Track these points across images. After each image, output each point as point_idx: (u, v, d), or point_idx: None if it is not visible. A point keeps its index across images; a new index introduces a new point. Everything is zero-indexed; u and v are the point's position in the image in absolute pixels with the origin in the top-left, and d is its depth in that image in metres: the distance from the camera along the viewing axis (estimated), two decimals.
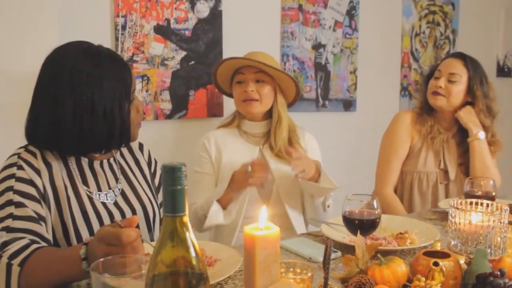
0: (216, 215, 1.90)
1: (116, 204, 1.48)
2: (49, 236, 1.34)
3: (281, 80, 2.09)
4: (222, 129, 2.17)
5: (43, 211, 1.34)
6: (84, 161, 1.47)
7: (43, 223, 1.32)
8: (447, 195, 2.31)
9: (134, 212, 1.51)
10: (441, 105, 2.28)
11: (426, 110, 2.36)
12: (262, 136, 2.13)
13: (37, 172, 1.37)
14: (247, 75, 2.06)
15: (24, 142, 1.45)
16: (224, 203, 1.93)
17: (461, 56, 2.31)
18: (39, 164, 1.39)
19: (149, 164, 1.68)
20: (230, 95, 2.24)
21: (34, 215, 1.31)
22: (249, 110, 2.07)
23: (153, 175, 1.67)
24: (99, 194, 1.46)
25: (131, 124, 1.45)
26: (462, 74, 2.26)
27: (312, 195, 2.01)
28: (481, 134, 2.23)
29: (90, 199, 1.43)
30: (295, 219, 2.07)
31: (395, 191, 2.41)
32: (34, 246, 1.23)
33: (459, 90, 2.25)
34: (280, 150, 2.07)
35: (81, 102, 1.35)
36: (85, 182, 1.45)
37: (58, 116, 1.35)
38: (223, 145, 2.09)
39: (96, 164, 1.50)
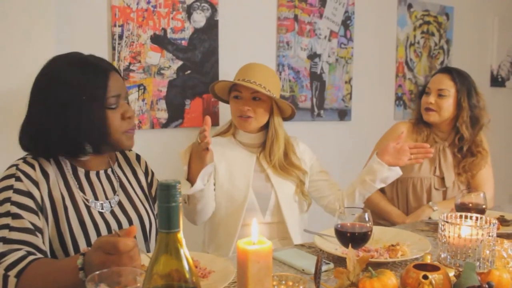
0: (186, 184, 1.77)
1: (112, 213, 1.50)
2: (46, 248, 1.35)
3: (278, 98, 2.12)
4: (218, 138, 2.18)
5: (40, 223, 1.35)
6: (81, 171, 1.49)
7: (39, 235, 1.34)
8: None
9: (130, 222, 1.52)
10: (434, 120, 2.38)
11: (421, 122, 2.45)
12: (258, 146, 2.16)
13: (35, 184, 1.39)
14: (244, 93, 2.08)
15: (20, 152, 1.47)
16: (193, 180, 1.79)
17: (448, 71, 2.40)
18: (38, 175, 1.40)
19: (146, 174, 1.69)
20: (227, 102, 2.26)
21: (31, 226, 1.32)
22: (245, 126, 2.10)
23: (150, 185, 1.69)
24: (95, 203, 1.47)
25: (114, 131, 1.44)
26: (450, 88, 2.35)
27: (385, 180, 2.06)
28: (433, 206, 2.28)
29: (88, 208, 1.45)
30: (292, 228, 2.09)
31: (391, 198, 2.48)
32: (31, 257, 1.24)
33: (449, 104, 2.34)
34: (275, 165, 2.10)
35: (53, 105, 1.39)
36: (82, 189, 1.47)
37: (37, 120, 1.41)
38: (221, 152, 2.09)
39: (92, 174, 1.51)
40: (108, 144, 1.47)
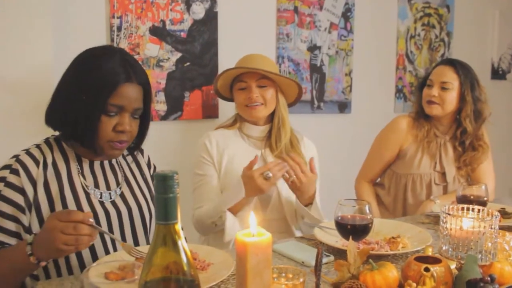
0: (233, 227, 1.84)
1: (113, 203, 1.50)
2: None
3: (282, 83, 2.08)
4: (222, 130, 2.13)
5: (26, 220, 1.36)
6: (85, 161, 1.50)
7: (17, 238, 1.36)
8: None
9: (130, 212, 1.52)
10: (437, 113, 2.31)
11: (422, 116, 2.39)
12: (263, 139, 2.12)
13: (32, 182, 1.38)
14: (249, 83, 2.03)
15: (18, 148, 1.45)
16: (234, 210, 1.88)
17: (451, 63, 2.33)
18: (39, 172, 1.39)
19: (149, 166, 1.70)
20: (228, 99, 2.22)
21: (12, 228, 1.35)
22: (254, 115, 2.05)
23: (152, 178, 1.69)
24: (94, 191, 1.47)
25: (101, 136, 1.41)
26: (453, 81, 2.28)
27: (302, 216, 2.01)
28: (435, 199, 2.25)
29: (87, 195, 1.44)
30: (293, 223, 2.07)
31: (389, 192, 2.46)
32: None
33: (452, 97, 2.28)
34: (281, 152, 2.06)
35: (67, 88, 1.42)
36: (83, 175, 1.47)
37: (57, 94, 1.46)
38: (225, 146, 2.06)
39: (97, 164, 1.52)
40: (95, 145, 1.44)
